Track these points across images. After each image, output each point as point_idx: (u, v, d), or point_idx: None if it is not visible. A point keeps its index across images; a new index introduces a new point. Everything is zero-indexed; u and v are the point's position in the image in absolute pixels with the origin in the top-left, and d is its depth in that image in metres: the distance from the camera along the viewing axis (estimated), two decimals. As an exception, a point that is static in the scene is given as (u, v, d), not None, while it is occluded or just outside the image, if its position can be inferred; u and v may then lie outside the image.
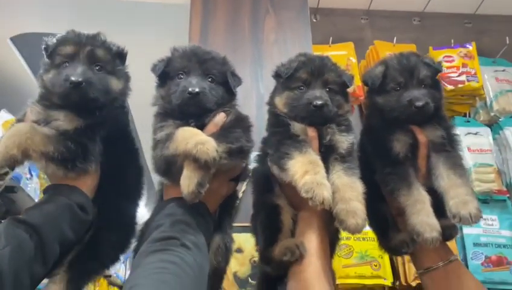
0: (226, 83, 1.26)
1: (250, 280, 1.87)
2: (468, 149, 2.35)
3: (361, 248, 1.84)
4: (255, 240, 1.41)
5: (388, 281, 2.04)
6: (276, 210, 1.30)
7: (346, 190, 1.15)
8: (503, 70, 2.72)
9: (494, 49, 2.86)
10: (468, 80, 2.44)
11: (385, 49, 2.55)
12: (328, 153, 1.24)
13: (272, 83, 2.23)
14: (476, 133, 2.41)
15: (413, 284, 2.02)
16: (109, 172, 1.24)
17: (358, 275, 2.00)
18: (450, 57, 2.55)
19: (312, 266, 1.14)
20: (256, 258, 1.88)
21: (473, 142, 2.37)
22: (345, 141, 1.25)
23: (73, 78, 1.12)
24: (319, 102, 1.23)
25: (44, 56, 1.23)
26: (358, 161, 1.27)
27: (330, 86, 1.29)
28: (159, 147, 1.17)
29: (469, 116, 2.64)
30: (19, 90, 4.26)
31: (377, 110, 1.38)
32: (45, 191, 1.19)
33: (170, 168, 1.14)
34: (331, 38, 2.68)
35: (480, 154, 2.35)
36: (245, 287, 1.85)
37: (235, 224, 1.65)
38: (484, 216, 2.13)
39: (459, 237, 2.21)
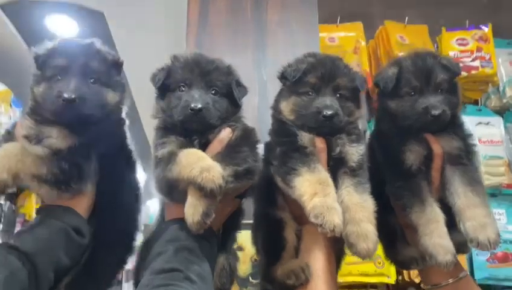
0: (230, 94, 1.16)
1: (251, 278, 1.83)
2: (479, 141, 2.25)
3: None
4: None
5: (392, 279, 2.01)
6: (279, 225, 1.22)
7: (357, 210, 1.08)
8: (518, 53, 2.58)
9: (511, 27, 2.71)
10: (482, 66, 2.32)
11: (396, 31, 2.43)
12: (337, 166, 1.15)
13: (275, 71, 2.13)
14: (487, 123, 2.32)
15: (417, 280, 1.99)
16: (105, 188, 1.17)
17: (361, 272, 1.97)
18: (464, 39, 2.42)
19: None
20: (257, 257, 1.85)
21: (484, 132, 2.28)
22: (356, 152, 1.16)
23: (66, 95, 1.04)
24: (330, 112, 1.13)
25: (35, 67, 1.13)
26: (367, 174, 1.17)
27: (341, 91, 1.19)
28: (160, 166, 1.08)
29: (480, 103, 2.54)
30: (10, 59, 4.15)
31: (389, 115, 1.27)
32: (38, 212, 1.12)
33: (173, 190, 1.07)
34: (338, 17, 2.52)
35: (490, 146, 2.26)
36: (246, 285, 1.82)
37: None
38: (492, 210, 2.10)
39: (465, 232, 2.16)
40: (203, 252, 1.03)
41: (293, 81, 1.20)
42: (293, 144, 1.16)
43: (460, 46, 2.40)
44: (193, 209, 0.99)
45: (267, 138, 1.95)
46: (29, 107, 1.16)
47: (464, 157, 1.21)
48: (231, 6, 2.20)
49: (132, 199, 1.29)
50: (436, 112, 1.15)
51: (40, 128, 1.10)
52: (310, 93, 1.19)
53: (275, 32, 2.19)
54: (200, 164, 0.99)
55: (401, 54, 2.31)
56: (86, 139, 1.10)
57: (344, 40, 2.37)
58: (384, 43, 2.43)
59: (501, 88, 2.48)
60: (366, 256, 1.05)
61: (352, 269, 1.96)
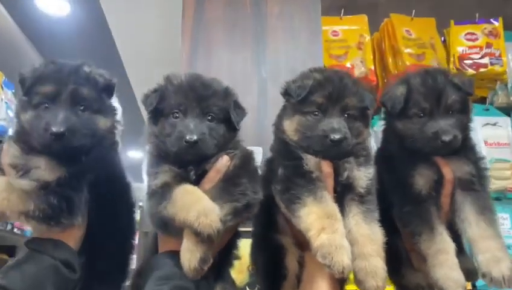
0: (228, 119, 1.09)
1: (247, 288, 1.79)
2: (485, 143, 2.21)
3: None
4: (257, 279, 1.31)
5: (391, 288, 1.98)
6: (280, 252, 1.17)
7: (366, 243, 1.04)
8: (529, 47, 2.48)
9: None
10: (491, 64, 2.24)
11: (402, 24, 2.33)
12: (344, 192, 1.10)
13: (276, 68, 2.04)
14: (494, 124, 2.25)
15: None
16: (99, 215, 1.12)
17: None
18: (474, 34, 2.32)
19: None
20: None
21: (491, 134, 2.22)
22: (364, 177, 1.10)
23: (54, 129, 0.99)
24: (338, 136, 1.06)
25: (21, 91, 1.07)
26: (375, 197, 1.12)
27: (350, 111, 1.11)
28: (154, 200, 1.04)
29: (487, 99, 2.47)
30: (2, 42, 4.08)
31: (397, 136, 1.20)
32: (27, 244, 1.07)
33: (167, 226, 1.02)
34: (342, 10, 2.40)
35: (497, 148, 2.21)
36: None
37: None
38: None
39: (467, 235, 2.13)
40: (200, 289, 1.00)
41: (298, 99, 1.12)
42: (298, 169, 1.10)
43: (469, 41, 2.30)
44: (190, 255, 0.95)
45: (265, 141, 1.87)
46: (15, 133, 1.10)
47: (475, 183, 1.15)
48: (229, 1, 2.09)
49: (126, 223, 1.24)
50: (447, 139, 1.09)
51: (27, 158, 1.04)
52: (316, 113, 1.12)
53: (275, 26, 2.10)
54: (197, 207, 0.94)
55: (407, 50, 2.24)
56: (77, 170, 1.05)
57: (348, 34, 2.27)
58: (389, 37, 2.34)
59: (509, 85, 2.40)
60: None
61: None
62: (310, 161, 1.10)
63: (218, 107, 1.08)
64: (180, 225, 0.97)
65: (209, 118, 1.08)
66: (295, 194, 1.06)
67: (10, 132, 4.22)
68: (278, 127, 1.20)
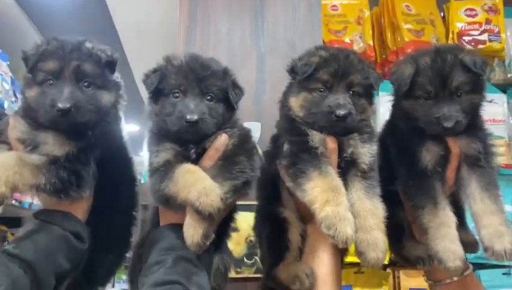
0: (226, 98, 1.13)
1: (245, 259, 1.84)
2: None
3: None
4: (259, 250, 1.36)
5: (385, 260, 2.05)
6: (283, 225, 1.22)
7: (367, 217, 1.07)
8: (529, 24, 2.48)
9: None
10: (490, 40, 2.24)
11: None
12: (348, 168, 1.13)
13: (274, 42, 2.03)
14: (490, 101, 2.24)
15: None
16: (102, 189, 1.17)
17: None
18: (473, 10, 2.30)
19: None
20: (251, 237, 1.86)
21: (487, 111, 2.16)
22: (368, 153, 1.14)
23: (60, 105, 1.02)
24: (343, 112, 1.09)
25: (26, 69, 1.09)
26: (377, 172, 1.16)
27: (355, 88, 1.14)
28: (156, 177, 1.07)
29: (484, 75, 2.48)
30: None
31: (404, 114, 1.22)
32: (36, 216, 1.11)
33: (169, 202, 1.05)
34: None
35: (492, 125, 2.21)
36: (240, 266, 1.84)
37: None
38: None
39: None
40: (201, 261, 1.05)
41: (303, 76, 1.14)
42: (303, 144, 1.13)
43: (468, 17, 2.28)
44: (193, 231, 0.99)
45: (263, 119, 1.88)
46: (22, 109, 1.13)
47: (482, 160, 1.18)
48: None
49: (129, 195, 1.28)
50: (448, 125, 1.11)
51: (35, 133, 1.08)
52: (322, 90, 1.15)
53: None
54: (198, 187, 0.98)
55: (406, 25, 2.23)
56: (84, 145, 1.09)
57: (347, 8, 2.24)
58: (389, 13, 2.31)
59: (507, 62, 2.41)
60: (374, 265, 1.06)
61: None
62: (315, 136, 1.13)
63: (217, 87, 1.11)
64: (182, 203, 1.00)
65: (209, 97, 1.11)
66: (301, 168, 1.09)
67: (6, 104, 4.19)
68: (284, 104, 1.22)
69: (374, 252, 1.04)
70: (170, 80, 1.10)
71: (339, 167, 1.15)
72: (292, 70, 1.20)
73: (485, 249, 1.09)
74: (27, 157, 1.04)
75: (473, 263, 2.09)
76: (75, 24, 4.53)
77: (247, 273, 1.83)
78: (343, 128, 1.12)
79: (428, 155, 1.19)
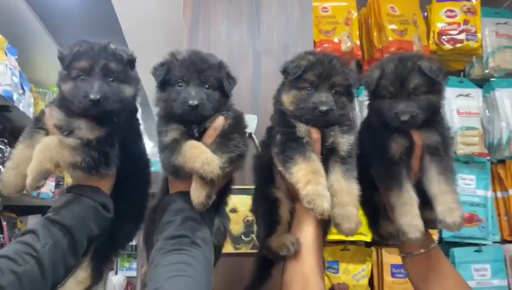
0: (222, 87, 1.33)
1: (243, 237, 2.03)
2: (458, 112, 2.40)
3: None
4: (256, 225, 1.57)
5: (368, 238, 2.26)
6: (275, 204, 1.42)
7: (344, 195, 1.25)
8: (505, 23, 2.65)
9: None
10: (467, 39, 2.41)
11: (387, 1, 2.47)
12: (329, 155, 1.33)
13: (269, 43, 2.21)
14: (467, 95, 2.44)
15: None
16: (123, 169, 1.35)
17: (341, 231, 2.21)
18: (453, 11, 2.47)
19: (308, 260, 1.29)
20: (249, 217, 2.06)
21: (463, 104, 2.42)
22: (346, 142, 1.33)
23: (92, 96, 1.20)
24: (325, 108, 1.28)
25: (61, 66, 1.29)
26: (355, 159, 1.35)
27: (336, 88, 1.33)
28: (166, 153, 1.27)
29: (464, 71, 2.67)
30: (4, 9, 4.13)
31: (375, 112, 1.43)
32: (70, 190, 1.30)
33: (178, 172, 1.25)
34: (332, -13, 2.55)
35: (468, 117, 2.41)
36: (238, 243, 2.03)
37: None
38: (463, 176, 2.34)
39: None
40: (204, 220, 1.24)
41: (294, 77, 1.34)
42: (292, 135, 1.32)
43: (448, 18, 2.45)
44: (198, 193, 1.18)
45: (259, 110, 2.09)
46: (57, 100, 1.32)
47: (440, 149, 1.36)
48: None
49: (144, 173, 1.49)
50: (404, 118, 1.30)
51: (70, 120, 1.27)
52: (309, 88, 1.33)
53: (269, 4, 2.23)
54: (201, 158, 1.17)
55: (390, 26, 2.40)
56: (110, 130, 1.27)
57: (336, 10, 2.39)
58: (375, 14, 2.47)
59: (484, 59, 2.59)
60: (349, 234, 1.25)
61: (333, 228, 2.19)
62: (302, 128, 1.32)
63: (214, 77, 1.31)
64: (189, 171, 1.19)
65: (207, 86, 1.30)
66: (289, 155, 1.29)
67: (15, 96, 4.34)
68: (277, 100, 1.41)
69: (348, 223, 1.22)
70: (175, 71, 1.29)
71: (322, 154, 1.33)
72: (284, 71, 1.38)
73: (439, 222, 1.27)
74: (66, 140, 1.23)
75: (449, 242, 2.35)
76: (81, 20, 4.64)
77: (244, 249, 2.02)
78: (325, 121, 1.32)
79: (396, 146, 1.36)
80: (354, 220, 1.23)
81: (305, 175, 1.23)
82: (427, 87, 1.33)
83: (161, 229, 1.22)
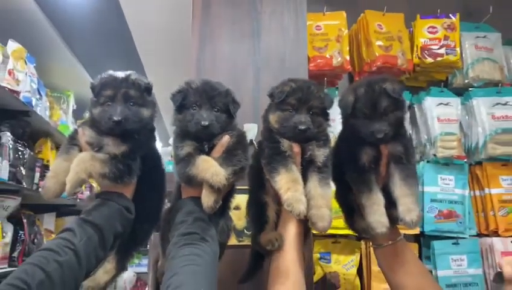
0: (228, 110, 1.55)
1: (245, 231, 2.22)
2: (438, 119, 2.65)
3: (336, 206, 2.20)
4: (249, 224, 1.81)
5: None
6: (264, 206, 1.63)
7: (318, 199, 1.46)
8: (484, 37, 2.89)
9: (484, 8, 2.99)
10: (447, 53, 2.64)
11: (374, 19, 2.71)
12: (308, 165, 1.55)
13: (268, 59, 2.47)
14: (447, 104, 2.69)
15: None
16: (142, 178, 1.57)
17: (333, 226, 2.44)
18: (434, 28, 2.71)
19: (289, 253, 1.49)
20: None
21: (443, 112, 2.66)
22: (322, 154, 1.53)
23: (115, 118, 1.42)
24: (303, 127, 1.50)
25: (92, 94, 1.52)
26: (331, 167, 1.55)
27: (313, 110, 1.55)
28: (181, 164, 1.48)
29: (446, 80, 2.91)
30: (23, 20, 4.42)
31: (351, 128, 1.61)
32: (98, 195, 1.51)
33: (191, 181, 1.46)
34: (325, 6, 2.80)
35: (447, 124, 2.65)
36: (241, 236, 2.22)
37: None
38: (443, 176, 2.59)
39: (420, 193, 2.63)
40: (211, 220, 1.45)
41: (278, 100, 1.56)
42: (277, 149, 1.53)
43: (430, 34, 2.69)
44: (207, 198, 1.40)
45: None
46: (89, 121, 1.54)
47: (403, 158, 1.54)
48: (230, 1, 2.48)
49: (160, 181, 1.69)
50: (379, 136, 1.48)
51: (99, 138, 1.49)
52: (290, 110, 1.53)
53: (268, 24, 2.47)
54: (211, 170, 1.39)
55: (377, 42, 2.64)
56: (132, 146, 1.48)
57: (328, 28, 2.63)
58: (364, 31, 2.70)
59: (464, 69, 2.84)
60: (322, 231, 1.45)
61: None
62: (285, 143, 1.53)
63: (222, 102, 1.52)
64: (200, 180, 1.41)
65: (216, 110, 1.51)
66: (274, 166, 1.50)
67: (33, 102, 4.60)
68: (265, 119, 1.62)
69: (321, 222, 1.43)
70: (190, 97, 1.50)
71: (302, 165, 1.53)
72: (271, 95, 1.59)
73: (400, 220, 1.46)
74: (97, 155, 1.44)
75: (429, 235, 2.61)
76: (93, 29, 4.93)
77: (246, 241, 2.20)
78: (304, 138, 1.52)
79: (366, 156, 1.55)
80: (326, 219, 1.43)
81: (286, 183, 1.44)
82: (394, 106, 1.50)
83: (175, 227, 1.41)
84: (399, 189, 1.51)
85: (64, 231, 1.36)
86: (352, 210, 1.71)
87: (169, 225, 1.49)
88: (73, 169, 1.40)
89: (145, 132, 1.56)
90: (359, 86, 1.57)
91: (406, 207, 1.47)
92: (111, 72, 1.53)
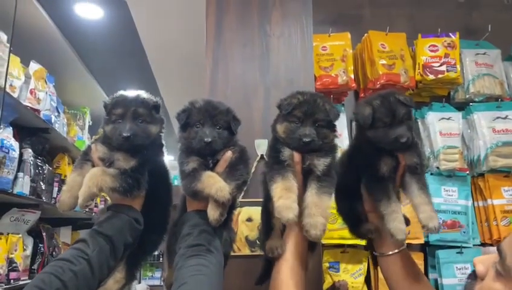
0: (229, 127, 1.64)
1: (257, 241, 2.33)
2: (440, 133, 2.75)
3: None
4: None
5: (363, 242, 2.62)
6: (270, 215, 1.66)
7: (313, 207, 1.48)
8: (484, 54, 3.01)
9: (483, 27, 3.11)
10: (447, 70, 2.76)
11: (378, 39, 2.84)
12: (308, 174, 1.61)
13: (277, 78, 2.61)
14: (448, 118, 2.79)
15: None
16: (151, 190, 1.64)
17: (340, 236, 2.56)
18: (435, 46, 2.84)
19: (289, 261, 1.54)
20: None
21: (445, 126, 2.77)
22: (322, 164, 1.55)
23: (124, 134, 1.50)
24: (307, 139, 1.53)
25: (105, 113, 1.61)
26: (334, 177, 1.57)
27: (319, 123, 1.58)
28: (187, 179, 1.54)
29: (448, 95, 3.03)
30: (45, 42, 4.62)
31: (368, 139, 1.68)
32: (109, 208, 1.58)
33: (196, 195, 1.53)
34: (330, 28, 2.97)
35: (449, 137, 2.75)
36: (254, 246, 2.33)
37: (248, 199, 2.26)
38: (447, 188, 2.70)
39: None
40: (216, 232, 1.50)
41: (286, 112, 1.60)
42: (277, 158, 1.58)
43: (431, 52, 2.81)
44: (213, 212, 1.47)
45: (269, 135, 2.43)
46: (102, 137, 1.62)
47: (418, 169, 1.62)
48: (241, 22, 2.64)
49: (167, 195, 1.76)
50: (403, 140, 1.56)
51: (111, 154, 1.56)
52: (297, 122, 1.57)
53: (277, 45, 2.62)
54: (216, 186, 1.46)
55: (381, 61, 2.77)
56: (141, 161, 1.55)
57: (334, 49, 2.76)
58: (368, 50, 2.83)
59: (465, 85, 2.96)
60: (315, 239, 1.48)
61: (333, 234, 2.57)
62: (286, 152, 1.58)
63: (223, 120, 1.59)
64: (206, 195, 1.47)
65: (218, 127, 1.57)
66: (272, 174, 1.54)
67: (52, 119, 4.79)
68: (273, 128, 1.66)
69: (314, 230, 1.44)
70: (194, 116, 1.56)
71: (304, 173, 1.56)
72: (279, 107, 1.63)
73: (423, 227, 1.53)
74: (107, 170, 1.51)
75: (434, 245, 2.71)
76: (109, 48, 5.14)
77: (259, 251, 2.26)
78: (308, 149, 1.56)
79: (386, 167, 1.61)
80: (319, 228, 1.44)
81: (280, 191, 1.47)
82: (408, 115, 1.59)
83: (182, 239, 1.46)
84: (418, 197, 1.58)
85: (78, 241, 1.42)
86: (358, 219, 1.78)
87: (175, 237, 1.55)
88: (85, 183, 1.47)
89: (153, 147, 1.63)
90: (373, 99, 1.66)
91: (428, 214, 1.54)
92: (122, 92, 1.62)
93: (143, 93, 1.63)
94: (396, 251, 1.65)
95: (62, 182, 4.80)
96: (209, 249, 1.41)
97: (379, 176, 1.62)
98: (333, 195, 1.61)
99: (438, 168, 2.77)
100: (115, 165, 1.54)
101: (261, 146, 2.47)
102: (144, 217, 1.61)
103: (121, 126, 1.53)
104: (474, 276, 1.09)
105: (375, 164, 1.63)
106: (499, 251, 1.00)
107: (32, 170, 4.13)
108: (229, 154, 1.59)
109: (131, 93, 1.61)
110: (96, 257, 1.37)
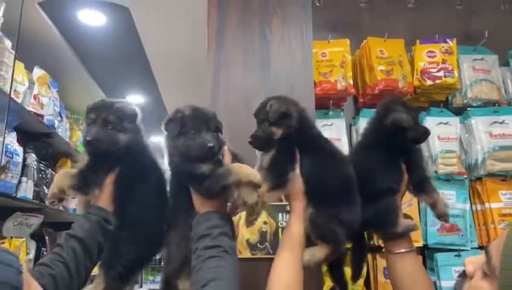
0: (217, 129, 1.67)
1: (258, 245, 2.38)
2: (438, 138, 2.80)
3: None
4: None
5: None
6: None
7: None
8: (481, 59, 3.05)
9: (481, 32, 3.14)
10: (445, 76, 2.81)
11: (376, 45, 2.88)
12: None
13: (277, 84, 2.66)
14: (446, 123, 2.84)
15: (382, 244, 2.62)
16: (140, 196, 1.66)
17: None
18: (433, 52, 2.90)
19: (282, 253, 1.59)
20: (263, 229, 2.46)
21: (443, 131, 2.82)
22: None
23: (87, 138, 1.55)
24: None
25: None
26: None
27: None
28: (212, 179, 1.53)
29: (446, 100, 3.07)
30: (48, 48, 4.69)
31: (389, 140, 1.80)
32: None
33: (220, 192, 1.57)
34: (329, 35, 3.02)
35: (447, 142, 2.80)
36: (255, 250, 2.37)
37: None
38: (445, 192, 2.74)
39: (423, 208, 2.78)
40: (231, 233, 1.53)
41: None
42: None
43: (429, 58, 2.87)
44: (251, 196, 1.52)
45: None
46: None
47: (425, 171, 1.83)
48: (242, 31, 2.70)
49: (161, 202, 1.72)
50: (428, 134, 1.82)
51: (80, 157, 1.67)
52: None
53: (277, 51, 2.67)
54: (250, 171, 1.54)
55: (379, 67, 2.82)
56: (95, 161, 1.60)
57: (333, 55, 2.81)
58: (366, 56, 2.88)
59: (463, 90, 3.01)
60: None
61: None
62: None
63: (213, 124, 1.64)
64: (242, 184, 1.52)
65: (212, 131, 1.62)
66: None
67: (56, 124, 4.85)
68: None
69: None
70: (188, 124, 1.58)
71: None
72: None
73: (439, 217, 1.76)
74: (69, 171, 1.59)
75: (433, 248, 2.75)
76: (113, 56, 5.21)
77: (259, 255, 2.35)
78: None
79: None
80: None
81: None
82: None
83: (199, 240, 1.47)
84: (430, 198, 1.79)
85: (56, 246, 1.48)
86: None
87: (185, 241, 1.57)
88: (51, 186, 1.57)
89: (130, 153, 1.65)
90: (396, 104, 1.81)
91: (442, 207, 1.77)
92: (104, 99, 1.65)
93: (121, 102, 1.69)
94: (403, 250, 1.71)
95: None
96: (226, 250, 1.44)
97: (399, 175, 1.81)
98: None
99: (436, 172, 2.81)
100: (76, 166, 1.61)
101: (262, 150, 2.50)
102: (138, 227, 1.64)
103: (89, 130, 1.58)
104: (464, 275, 1.14)
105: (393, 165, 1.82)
106: (487, 252, 1.06)
107: (35, 175, 4.19)
108: (225, 148, 1.68)
109: (110, 100, 1.65)
110: (72, 260, 1.42)
